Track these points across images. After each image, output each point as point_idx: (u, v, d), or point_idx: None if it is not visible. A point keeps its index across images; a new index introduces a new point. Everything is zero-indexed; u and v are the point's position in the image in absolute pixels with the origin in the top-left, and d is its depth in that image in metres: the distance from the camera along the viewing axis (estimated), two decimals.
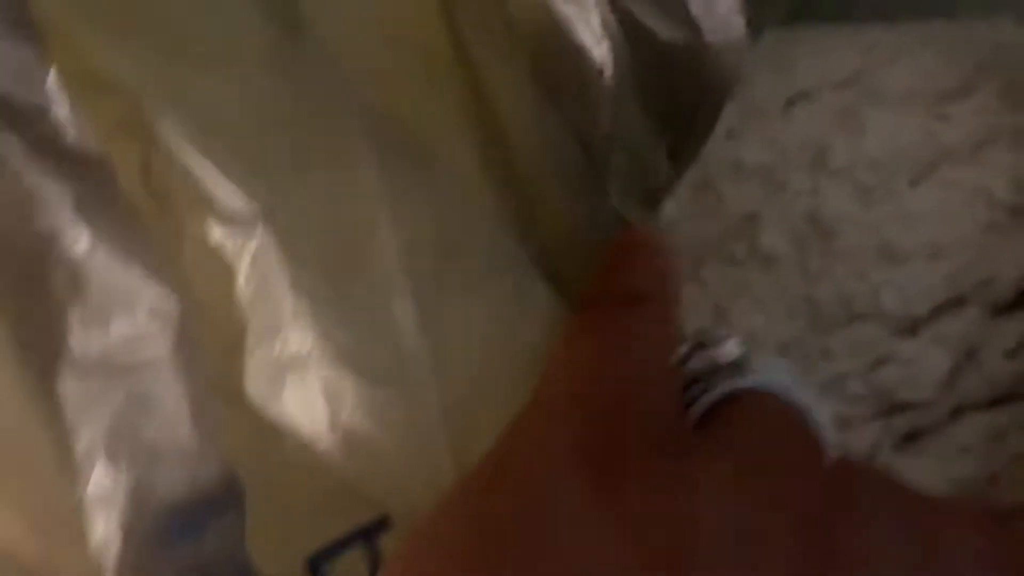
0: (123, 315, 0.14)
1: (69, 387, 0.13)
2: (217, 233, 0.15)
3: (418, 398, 0.16)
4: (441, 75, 0.26)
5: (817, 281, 0.36)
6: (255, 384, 0.15)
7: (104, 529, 0.13)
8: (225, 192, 0.15)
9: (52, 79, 0.14)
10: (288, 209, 0.15)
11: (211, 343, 0.15)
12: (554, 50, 0.27)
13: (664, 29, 0.28)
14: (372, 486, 0.16)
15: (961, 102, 0.39)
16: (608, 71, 0.27)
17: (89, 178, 0.14)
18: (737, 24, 0.28)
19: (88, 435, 0.13)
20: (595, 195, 0.29)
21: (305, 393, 0.15)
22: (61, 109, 0.14)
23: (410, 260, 0.17)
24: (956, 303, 0.37)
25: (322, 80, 0.18)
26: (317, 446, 0.15)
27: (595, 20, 0.26)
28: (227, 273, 0.15)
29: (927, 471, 0.37)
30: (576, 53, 0.27)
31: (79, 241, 0.13)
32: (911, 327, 0.37)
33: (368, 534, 0.16)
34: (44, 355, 0.14)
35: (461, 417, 0.17)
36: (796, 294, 0.37)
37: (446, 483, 0.16)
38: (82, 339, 0.14)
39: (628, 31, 0.27)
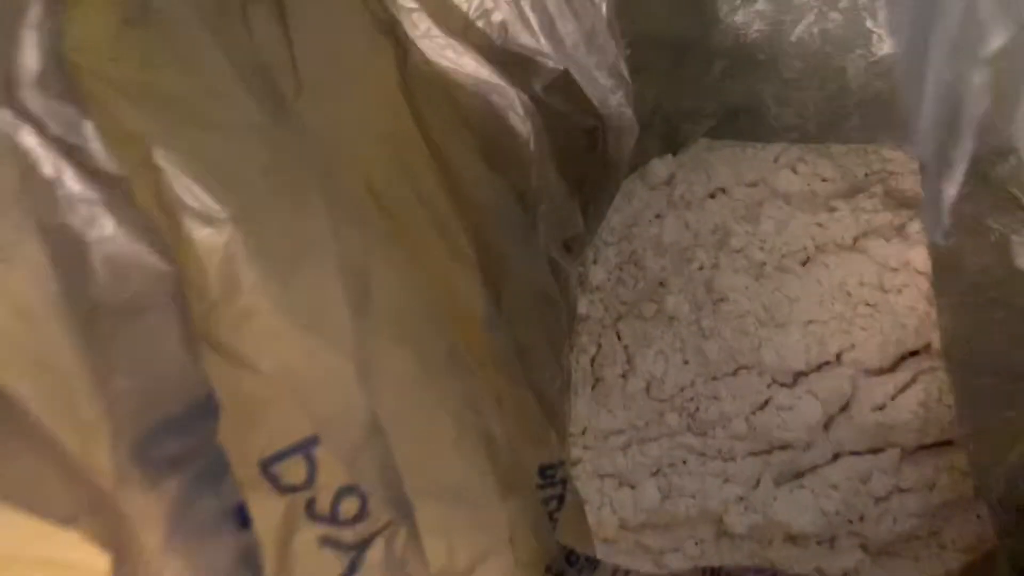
0: (135, 276, 0.20)
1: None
2: (202, 231, 0.21)
3: (338, 349, 0.22)
4: (409, 158, 0.32)
5: (709, 337, 0.42)
6: (225, 331, 0.21)
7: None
8: (205, 204, 0.21)
9: (91, 128, 0.20)
10: (252, 221, 0.21)
11: (197, 302, 0.21)
12: (493, 129, 0.34)
13: (574, 114, 0.34)
14: (305, 412, 0.21)
15: (848, 200, 0.46)
16: (532, 143, 0.34)
17: (116, 188, 0.20)
18: (628, 114, 0.34)
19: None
20: (532, 240, 0.36)
21: (256, 337, 0.21)
22: (97, 148, 0.20)
23: (347, 288, 0.23)
24: (831, 363, 0.43)
25: (295, 150, 0.24)
26: (263, 374, 0.21)
27: (519, 107, 0.33)
28: (208, 257, 0.21)
29: (800, 503, 0.42)
30: (509, 131, 0.34)
31: (107, 227, 0.20)
32: (789, 380, 0.43)
33: (305, 446, 0.21)
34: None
35: (375, 365, 0.23)
36: (691, 347, 0.42)
37: (359, 412, 0.22)
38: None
39: (546, 115, 0.34)
